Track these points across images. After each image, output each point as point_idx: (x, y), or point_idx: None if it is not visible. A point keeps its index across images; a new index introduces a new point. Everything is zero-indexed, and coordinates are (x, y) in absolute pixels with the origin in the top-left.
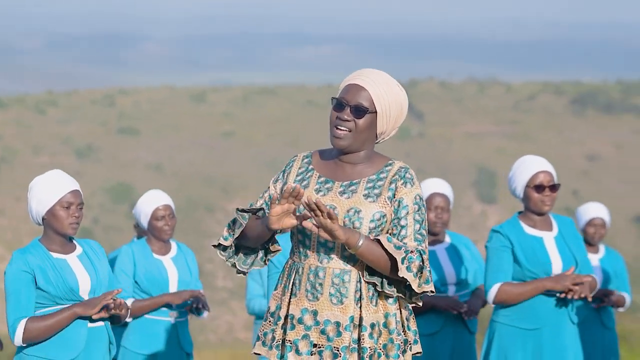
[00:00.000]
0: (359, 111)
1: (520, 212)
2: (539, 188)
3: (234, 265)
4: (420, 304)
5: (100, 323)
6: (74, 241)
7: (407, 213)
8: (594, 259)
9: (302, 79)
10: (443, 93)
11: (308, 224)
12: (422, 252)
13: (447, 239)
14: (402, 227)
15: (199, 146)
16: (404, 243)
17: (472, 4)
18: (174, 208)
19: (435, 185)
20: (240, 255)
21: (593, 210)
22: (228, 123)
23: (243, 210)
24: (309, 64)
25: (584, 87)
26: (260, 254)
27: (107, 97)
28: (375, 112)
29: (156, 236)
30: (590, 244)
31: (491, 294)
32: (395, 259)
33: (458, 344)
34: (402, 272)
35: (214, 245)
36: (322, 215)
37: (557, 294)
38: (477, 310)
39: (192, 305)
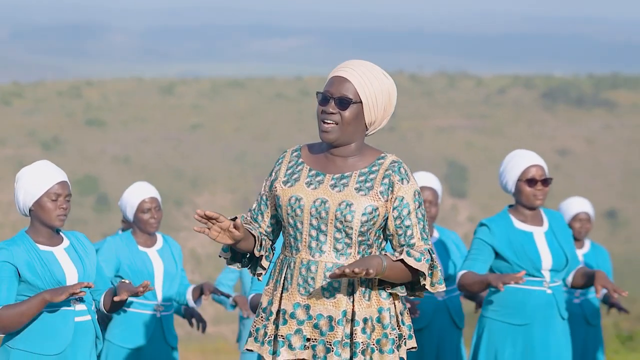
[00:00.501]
0: (343, 103)
1: (510, 206)
2: (531, 182)
3: (252, 272)
4: (422, 296)
5: (87, 317)
6: (61, 233)
7: (409, 212)
8: (579, 254)
9: (271, 72)
10: (413, 86)
11: (335, 275)
12: (431, 251)
13: (436, 234)
14: (407, 227)
15: (166, 139)
16: (411, 245)
17: None
18: (160, 200)
19: (424, 179)
20: (245, 260)
21: (577, 205)
22: (196, 116)
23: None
24: (278, 56)
25: (554, 81)
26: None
27: (73, 89)
28: (361, 102)
29: (142, 229)
30: (576, 239)
31: (457, 277)
32: (411, 266)
33: (445, 339)
34: (424, 281)
35: (220, 255)
36: (355, 275)
37: (545, 287)
38: (480, 302)
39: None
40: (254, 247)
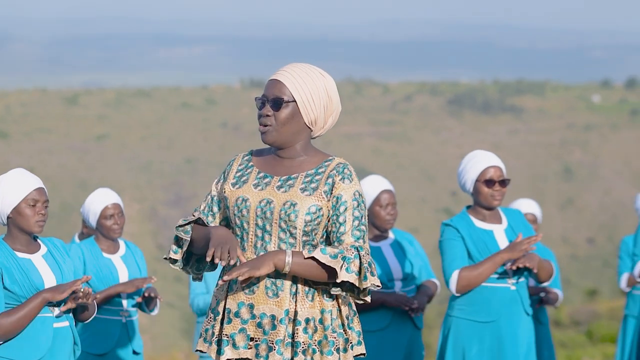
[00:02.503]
0: (276, 103)
1: (468, 207)
2: (489, 183)
3: (187, 272)
4: (369, 300)
5: (65, 323)
6: (38, 240)
7: (346, 209)
8: None
9: (176, 81)
10: None
11: (234, 275)
12: (359, 248)
13: (391, 235)
14: (341, 223)
15: (71, 150)
16: (341, 240)
17: (348, 5)
18: (122, 206)
19: (381, 183)
20: (193, 261)
21: (524, 207)
22: (101, 126)
23: (183, 225)
24: (184, 65)
25: (460, 87)
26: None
27: None
28: (295, 101)
29: (105, 235)
30: None
31: (452, 283)
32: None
33: (405, 339)
34: (342, 277)
35: (165, 258)
36: (240, 273)
37: (508, 283)
38: (423, 306)
39: (144, 295)
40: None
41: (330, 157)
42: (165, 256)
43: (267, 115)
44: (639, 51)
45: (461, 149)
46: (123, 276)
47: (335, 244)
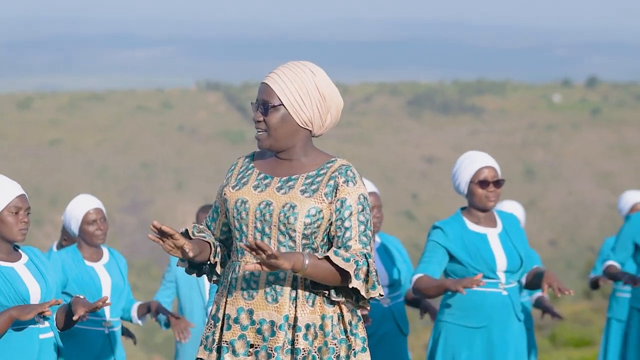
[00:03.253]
0: (265, 108)
1: (463, 208)
2: (484, 184)
3: (210, 279)
4: (369, 309)
5: (50, 334)
6: (19, 249)
7: (351, 214)
8: None
9: (131, 84)
10: None
11: (250, 267)
12: (367, 255)
13: (378, 239)
14: (347, 228)
15: (24, 155)
16: (347, 246)
17: (306, 5)
18: (105, 212)
19: (367, 185)
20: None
21: (507, 209)
22: (55, 130)
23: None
24: (138, 68)
25: (420, 87)
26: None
27: None
28: (282, 104)
29: (88, 242)
30: None
31: (412, 281)
32: (342, 269)
33: (391, 345)
34: (354, 283)
35: (178, 265)
36: (264, 255)
37: (500, 288)
38: (435, 310)
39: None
40: (210, 255)
41: (333, 158)
42: (177, 263)
43: (259, 121)
44: (600, 50)
45: (421, 150)
46: (106, 284)
47: (342, 249)
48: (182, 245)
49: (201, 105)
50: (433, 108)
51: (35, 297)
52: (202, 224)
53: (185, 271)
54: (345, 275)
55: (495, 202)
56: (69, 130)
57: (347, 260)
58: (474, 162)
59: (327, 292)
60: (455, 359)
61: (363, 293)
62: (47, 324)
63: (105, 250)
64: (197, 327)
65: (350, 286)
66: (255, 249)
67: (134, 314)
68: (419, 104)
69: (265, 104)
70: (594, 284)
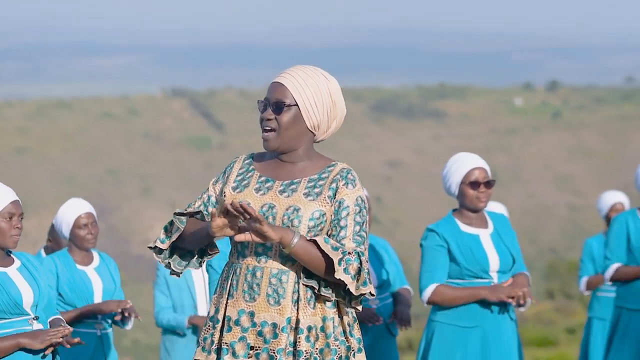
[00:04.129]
0: (278, 107)
1: (454, 210)
2: (474, 185)
3: (168, 265)
4: (360, 308)
5: None
6: (12, 254)
7: (348, 214)
8: None
9: (97, 91)
10: (242, 102)
11: (241, 237)
12: (360, 253)
13: None
14: (342, 227)
15: None
16: (342, 244)
17: (270, 12)
18: (95, 216)
19: None
20: (176, 256)
21: (493, 210)
22: (22, 138)
23: (181, 214)
24: (104, 75)
25: (383, 93)
26: (197, 255)
27: None
28: (297, 104)
29: (79, 245)
30: None
31: (426, 294)
32: (331, 260)
33: (381, 346)
34: (339, 274)
35: (150, 247)
36: (250, 218)
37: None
38: (409, 318)
39: (121, 315)
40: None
41: (334, 162)
42: (150, 245)
43: (269, 119)
44: (560, 54)
45: (385, 155)
46: (97, 288)
47: (335, 242)
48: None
49: (166, 112)
50: (396, 113)
51: (28, 300)
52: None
53: (157, 254)
54: (331, 265)
55: (486, 202)
56: (36, 137)
57: (335, 249)
58: (465, 163)
59: (316, 287)
60: (450, 359)
61: (352, 289)
62: (41, 326)
63: (95, 254)
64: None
65: (336, 276)
66: (241, 212)
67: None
68: (382, 109)
69: (279, 103)
70: (592, 286)
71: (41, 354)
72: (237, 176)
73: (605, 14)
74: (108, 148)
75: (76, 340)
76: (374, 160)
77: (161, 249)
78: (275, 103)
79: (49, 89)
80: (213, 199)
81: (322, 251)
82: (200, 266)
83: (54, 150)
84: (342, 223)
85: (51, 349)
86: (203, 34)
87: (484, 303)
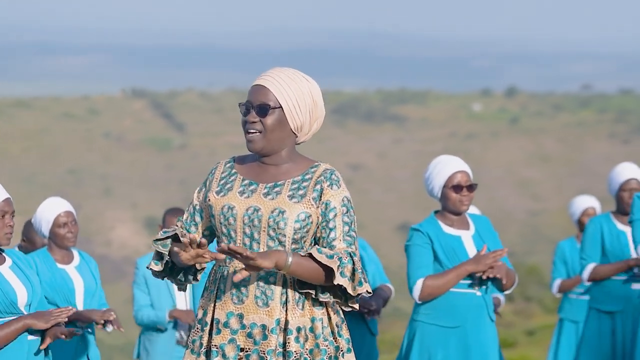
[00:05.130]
0: (263, 110)
1: (436, 212)
2: (457, 188)
3: (173, 282)
4: (357, 307)
5: (38, 336)
6: (3, 252)
7: (335, 215)
8: None
9: (58, 91)
10: (204, 103)
11: (239, 277)
12: (352, 254)
13: None
14: (331, 229)
15: None
16: (332, 245)
17: (232, 14)
18: (75, 214)
19: None
20: (177, 270)
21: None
22: None
23: (159, 240)
24: (65, 75)
25: (344, 96)
26: (192, 270)
27: None
28: (281, 107)
29: (59, 244)
30: None
31: (416, 291)
32: (327, 267)
33: (361, 346)
34: (338, 280)
35: (149, 267)
36: (242, 257)
37: (474, 289)
38: (379, 309)
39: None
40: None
41: (316, 163)
42: (147, 266)
43: (254, 122)
44: (518, 60)
45: (346, 158)
46: (79, 287)
47: (327, 249)
48: (202, 253)
49: (127, 112)
50: (357, 117)
51: (22, 299)
52: (168, 226)
53: (154, 274)
54: (329, 272)
55: (468, 205)
56: None
57: (331, 257)
58: (447, 166)
59: (313, 292)
60: (431, 359)
61: (350, 291)
62: None
63: (75, 252)
64: (169, 325)
65: (335, 282)
66: (231, 254)
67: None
68: (343, 113)
69: (263, 106)
70: (567, 288)
71: (39, 346)
72: (219, 180)
73: (564, 22)
74: (68, 148)
75: (72, 330)
76: (335, 164)
77: (157, 271)
78: (259, 106)
79: (8, 89)
80: (198, 208)
81: (317, 261)
82: (197, 281)
83: (14, 150)
84: (331, 225)
85: (49, 340)
86: (164, 35)
87: (465, 303)
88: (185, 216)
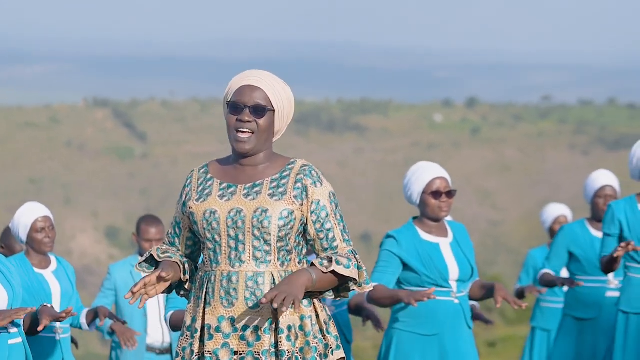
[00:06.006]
0: (259, 111)
1: (415, 218)
2: (436, 194)
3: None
4: (347, 296)
5: (19, 339)
6: None
7: (328, 214)
8: None
9: (19, 100)
10: (165, 113)
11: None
12: (354, 252)
13: None
14: (329, 230)
15: None
16: (334, 247)
17: (194, 23)
18: (53, 219)
19: None
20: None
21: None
22: None
23: (144, 261)
24: (26, 84)
25: (306, 106)
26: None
27: None
28: (273, 110)
29: (36, 249)
30: None
31: (367, 290)
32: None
33: None
34: (354, 286)
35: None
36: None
37: (452, 297)
38: (380, 318)
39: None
40: (180, 273)
41: (292, 160)
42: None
43: (248, 122)
44: (479, 71)
45: None
46: (55, 291)
47: (329, 251)
48: (157, 276)
49: (89, 122)
50: (319, 126)
51: (2, 302)
52: (146, 236)
53: (181, 295)
54: (343, 278)
55: (447, 212)
56: None
57: (348, 266)
58: (426, 173)
59: (319, 294)
60: None
61: (356, 289)
62: (15, 329)
63: (52, 257)
64: (138, 335)
65: (352, 289)
66: (270, 302)
67: (83, 320)
68: (305, 122)
69: (260, 107)
70: (520, 294)
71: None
72: (197, 187)
73: (525, 33)
74: (30, 157)
75: (69, 309)
76: None
77: None
78: (255, 106)
79: None
80: (179, 219)
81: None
82: (188, 291)
83: None
84: (327, 226)
85: (9, 324)
86: (126, 45)
87: (443, 311)
88: (170, 230)
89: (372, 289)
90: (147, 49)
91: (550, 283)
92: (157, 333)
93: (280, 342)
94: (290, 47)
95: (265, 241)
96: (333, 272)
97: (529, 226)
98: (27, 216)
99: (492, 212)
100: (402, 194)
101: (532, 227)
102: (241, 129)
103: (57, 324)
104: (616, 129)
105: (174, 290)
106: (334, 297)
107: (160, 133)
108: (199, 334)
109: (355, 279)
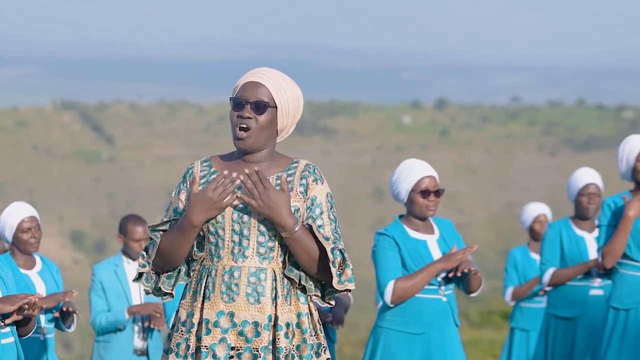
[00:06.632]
0: (260, 107)
1: (401, 216)
2: (425, 193)
3: (158, 290)
4: (333, 303)
5: (11, 339)
6: None
7: (322, 212)
8: None
9: None
10: (132, 116)
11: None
12: (342, 250)
13: None
14: (319, 227)
15: None
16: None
17: (161, 26)
18: (39, 220)
19: None
20: (163, 278)
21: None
22: None
23: (155, 226)
24: None
25: None
26: (184, 268)
27: None
28: (276, 107)
29: (22, 249)
30: None
31: (387, 295)
32: (323, 255)
33: None
34: (332, 268)
35: (135, 279)
36: (261, 187)
37: (440, 295)
38: (341, 318)
39: (62, 310)
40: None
41: (296, 159)
42: (134, 278)
43: (249, 118)
44: (448, 72)
45: None
46: (41, 292)
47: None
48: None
49: (56, 125)
50: None
51: None
52: (135, 237)
53: (163, 297)
54: (322, 260)
55: (434, 211)
56: None
57: (327, 239)
58: (415, 171)
59: (297, 281)
60: None
61: (334, 283)
62: (8, 329)
63: (37, 258)
64: (124, 334)
65: (333, 267)
66: (255, 180)
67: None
68: None
69: (262, 103)
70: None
71: (8, 318)
72: (200, 180)
73: (493, 35)
74: None
75: (72, 293)
76: None
77: (147, 277)
78: (256, 102)
79: None
80: (180, 210)
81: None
82: (190, 277)
83: None
84: (318, 222)
85: (17, 316)
86: (94, 47)
87: (430, 309)
88: (165, 220)
89: (391, 290)
90: (115, 52)
91: (573, 274)
92: (140, 333)
93: (278, 339)
94: (257, 48)
95: (270, 237)
96: (316, 241)
97: (495, 228)
98: (13, 216)
99: (458, 215)
100: (368, 197)
101: (499, 229)
102: (241, 125)
103: (42, 324)
104: (585, 130)
105: (180, 275)
106: (320, 296)
107: (127, 136)
108: (195, 328)
109: (325, 254)
